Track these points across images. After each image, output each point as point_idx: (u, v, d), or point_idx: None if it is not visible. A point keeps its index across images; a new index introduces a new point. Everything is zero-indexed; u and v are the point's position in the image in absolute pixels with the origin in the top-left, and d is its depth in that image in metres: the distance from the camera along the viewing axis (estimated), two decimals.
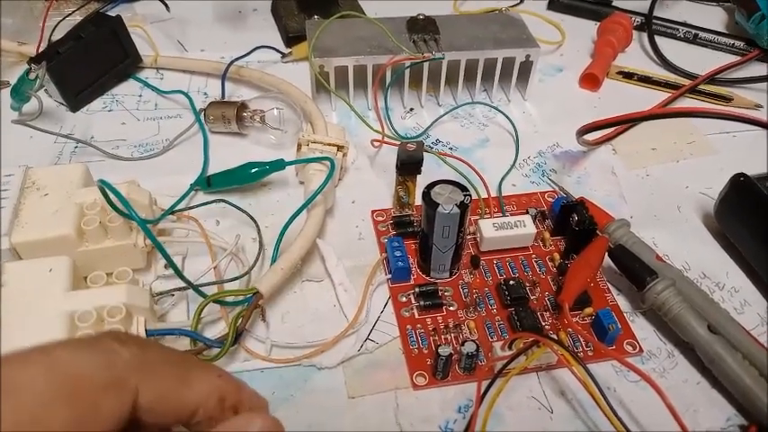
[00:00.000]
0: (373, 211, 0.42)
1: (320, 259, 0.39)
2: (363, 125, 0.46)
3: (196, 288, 0.33)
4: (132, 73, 0.53)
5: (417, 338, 0.35)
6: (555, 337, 0.34)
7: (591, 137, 0.46)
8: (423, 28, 0.49)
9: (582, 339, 0.35)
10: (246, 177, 0.42)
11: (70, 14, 0.54)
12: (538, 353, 0.32)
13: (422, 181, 0.38)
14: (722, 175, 0.41)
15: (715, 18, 0.64)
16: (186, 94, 0.50)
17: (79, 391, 0.16)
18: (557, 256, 0.39)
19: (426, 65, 0.48)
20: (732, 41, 0.59)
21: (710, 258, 0.40)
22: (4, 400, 0.15)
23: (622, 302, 0.37)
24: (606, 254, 0.37)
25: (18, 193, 0.36)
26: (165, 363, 0.19)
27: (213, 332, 0.34)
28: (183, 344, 0.32)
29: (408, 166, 0.39)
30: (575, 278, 0.36)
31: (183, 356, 0.21)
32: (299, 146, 0.42)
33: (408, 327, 0.35)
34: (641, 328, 0.36)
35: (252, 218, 0.39)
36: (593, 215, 0.38)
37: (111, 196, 0.30)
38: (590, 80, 0.54)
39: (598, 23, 0.59)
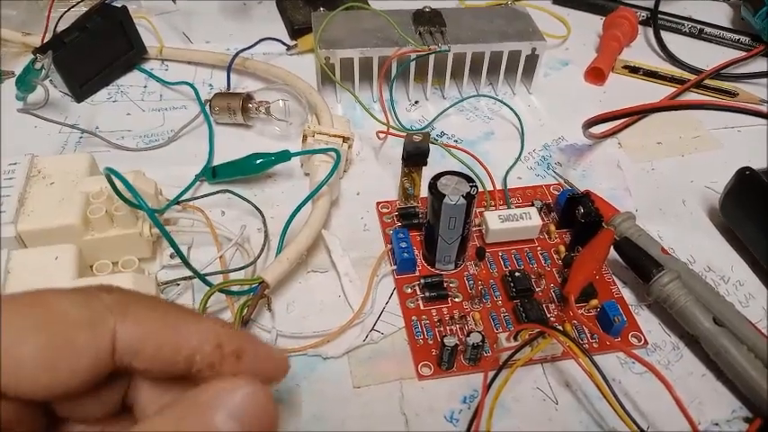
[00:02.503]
0: (378, 203, 0.42)
1: (325, 250, 0.39)
2: (368, 117, 0.46)
3: (202, 277, 0.33)
4: (137, 64, 0.53)
5: (422, 329, 0.35)
6: (560, 328, 0.34)
7: (596, 130, 0.46)
8: (429, 20, 0.49)
9: (587, 331, 0.35)
10: (252, 168, 0.42)
11: (75, 5, 0.54)
12: (543, 344, 0.32)
13: (426, 173, 0.38)
14: (727, 169, 0.41)
15: (721, 13, 0.64)
16: (191, 86, 0.50)
17: (53, 324, 0.17)
18: (562, 248, 0.39)
19: (432, 57, 0.48)
20: (738, 37, 0.59)
21: (715, 252, 0.40)
22: None
23: (627, 295, 0.37)
24: (612, 246, 0.37)
25: (24, 181, 0.36)
26: (150, 308, 0.18)
27: None
28: None
29: (414, 157, 0.39)
30: (580, 270, 0.35)
31: (177, 306, 0.19)
32: (305, 137, 0.42)
33: (413, 317, 0.35)
34: (646, 321, 0.36)
35: (257, 208, 0.39)
36: (599, 208, 0.38)
37: (119, 184, 0.30)
38: (595, 74, 0.54)
39: (603, 18, 0.59)
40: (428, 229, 0.37)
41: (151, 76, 0.52)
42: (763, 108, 0.51)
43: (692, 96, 0.54)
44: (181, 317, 0.19)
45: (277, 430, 0.17)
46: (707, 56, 0.57)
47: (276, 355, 0.20)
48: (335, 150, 0.40)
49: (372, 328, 0.35)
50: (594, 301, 0.36)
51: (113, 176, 0.30)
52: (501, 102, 0.50)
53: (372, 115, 0.46)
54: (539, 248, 0.39)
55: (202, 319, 0.19)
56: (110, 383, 0.18)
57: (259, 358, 0.19)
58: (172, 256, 0.36)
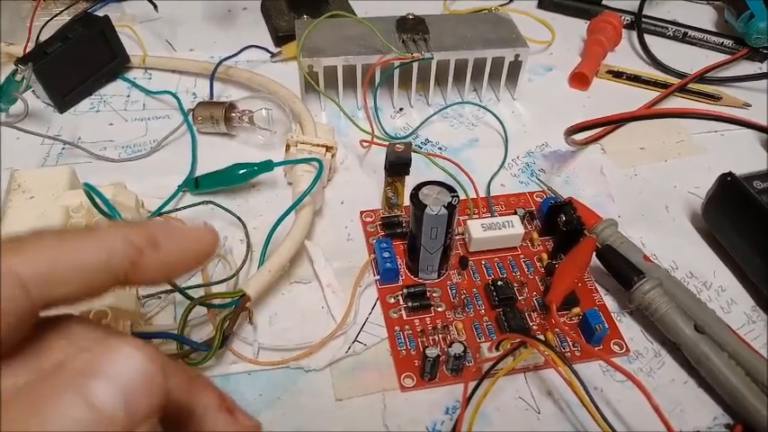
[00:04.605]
0: (362, 212, 0.42)
1: (308, 261, 0.39)
2: (353, 125, 0.46)
3: (182, 291, 0.33)
4: (120, 73, 0.52)
5: (405, 340, 0.35)
6: (542, 337, 0.35)
7: (579, 136, 0.46)
8: (412, 28, 0.49)
9: (569, 340, 0.35)
10: (234, 178, 0.42)
11: (58, 14, 0.54)
12: (525, 353, 0.32)
13: (411, 181, 0.38)
14: (710, 174, 0.41)
15: (704, 16, 0.64)
16: (174, 95, 0.49)
17: None
18: (545, 256, 0.39)
19: (416, 65, 0.48)
20: (721, 40, 0.59)
21: (698, 258, 0.41)
22: None
23: (610, 302, 0.38)
24: (594, 254, 0.37)
25: (4, 195, 0.35)
26: (42, 237, 0.17)
27: (200, 335, 0.34)
28: (170, 348, 0.32)
29: (397, 167, 0.39)
30: (562, 278, 0.36)
31: (67, 230, 0.19)
32: (288, 146, 0.42)
33: (396, 328, 0.35)
34: (628, 328, 0.36)
35: (240, 219, 0.39)
36: (581, 215, 0.38)
37: (97, 199, 0.30)
38: (579, 79, 0.54)
39: (588, 22, 0.59)
40: (411, 239, 0.37)
41: (134, 85, 0.52)
42: (744, 116, 0.51)
43: (676, 100, 0.54)
44: (75, 234, 0.18)
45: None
46: (691, 59, 0.57)
47: (194, 229, 0.19)
48: (318, 160, 0.39)
49: (355, 340, 0.35)
50: (577, 309, 0.36)
51: (92, 192, 0.30)
52: (485, 108, 0.50)
53: (356, 124, 0.46)
54: (522, 256, 0.39)
55: (100, 227, 0.18)
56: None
57: (178, 238, 0.19)
58: None
